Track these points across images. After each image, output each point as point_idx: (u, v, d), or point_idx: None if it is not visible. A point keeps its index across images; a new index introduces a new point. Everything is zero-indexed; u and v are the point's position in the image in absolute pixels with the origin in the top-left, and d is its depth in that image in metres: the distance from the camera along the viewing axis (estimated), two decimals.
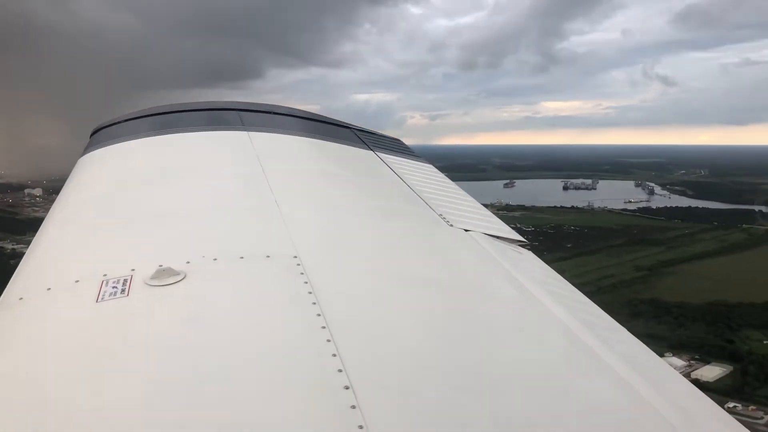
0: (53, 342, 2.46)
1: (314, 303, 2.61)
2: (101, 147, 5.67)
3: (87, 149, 5.86)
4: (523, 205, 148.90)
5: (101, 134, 6.28)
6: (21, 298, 2.83)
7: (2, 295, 2.95)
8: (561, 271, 4.25)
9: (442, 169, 7.03)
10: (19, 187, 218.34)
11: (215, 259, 3.02)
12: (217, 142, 5.58)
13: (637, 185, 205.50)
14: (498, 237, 4.37)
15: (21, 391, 2.14)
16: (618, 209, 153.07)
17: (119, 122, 6.47)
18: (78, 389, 2.11)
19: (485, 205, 5.66)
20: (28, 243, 3.75)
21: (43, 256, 3.45)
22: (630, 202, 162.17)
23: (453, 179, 6.68)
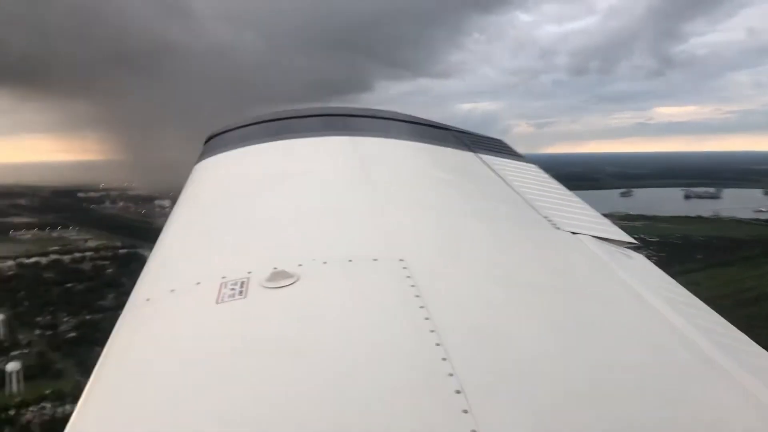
0: (178, 341, 2.57)
1: (422, 307, 2.61)
2: (215, 154, 5.81)
3: (201, 156, 5.96)
4: (644, 215, 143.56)
5: (214, 142, 6.42)
6: (148, 299, 2.96)
7: (131, 296, 3.08)
8: (695, 284, 4.33)
9: None
10: (150, 199, 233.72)
11: (325, 262, 3.06)
12: (323, 148, 5.59)
13: (766, 193, 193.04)
14: (607, 239, 4.26)
15: (150, 389, 2.25)
16: (747, 218, 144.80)
17: (230, 130, 6.61)
18: (202, 388, 2.20)
19: (603, 215, 5.37)
20: None
21: (166, 259, 3.59)
22: (761, 211, 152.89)
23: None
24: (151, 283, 3.18)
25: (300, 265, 2.96)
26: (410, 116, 7.35)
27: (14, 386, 67.46)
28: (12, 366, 68.68)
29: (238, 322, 2.57)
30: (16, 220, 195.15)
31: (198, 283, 2.93)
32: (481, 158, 6.15)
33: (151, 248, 3.86)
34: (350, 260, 3.06)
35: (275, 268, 2.86)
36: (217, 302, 2.70)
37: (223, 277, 2.90)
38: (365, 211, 3.92)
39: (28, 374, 68.75)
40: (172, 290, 2.95)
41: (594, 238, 4.11)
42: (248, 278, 2.86)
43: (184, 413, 2.05)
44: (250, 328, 2.53)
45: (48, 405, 61.64)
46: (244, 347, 2.40)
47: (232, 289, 2.78)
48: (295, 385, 2.14)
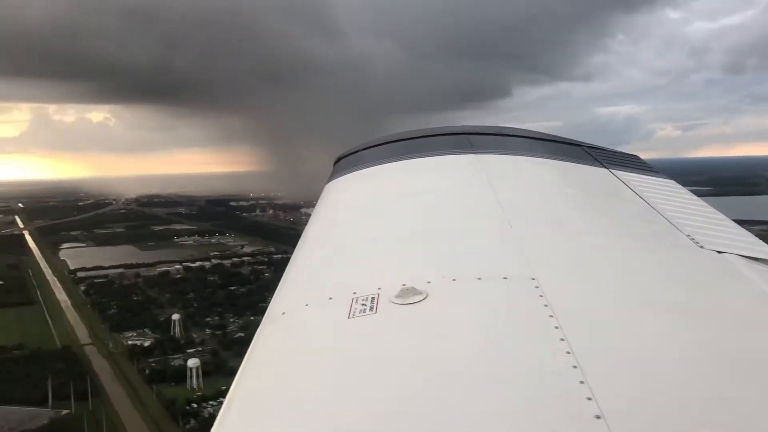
0: (312, 354, 2.64)
1: (556, 327, 2.50)
2: (344, 174, 5.97)
3: (332, 176, 6.16)
4: None
5: (343, 162, 6.65)
6: (283, 313, 3.07)
7: (268, 309, 3.18)
8: None
9: (700, 183, 6.65)
10: (296, 207, 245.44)
11: (454, 280, 3.03)
12: (450, 166, 5.62)
13: None
14: (758, 259, 3.90)
15: (286, 400, 2.30)
16: None
17: (358, 151, 6.80)
18: (335, 401, 2.21)
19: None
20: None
21: (300, 275, 3.70)
22: None
23: (717, 194, 6.32)
24: (287, 298, 3.30)
25: (429, 282, 2.97)
26: (538, 132, 7.31)
27: (194, 381, 71.99)
28: (192, 362, 73.54)
29: (369, 337, 2.63)
30: (178, 227, 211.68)
31: (330, 299, 3.02)
32: (614, 174, 5.96)
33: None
34: (479, 278, 3.04)
35: (404, 285, 2.88)
36: (348, 317, 2.76)
37: (354, 293, 2.97)
38: (494, 229, 3.88)
39: (205, 371, 73.19)
40: (307, 304, 3.06)
41: (743, 258, 3.83)
42: (378, 294, 2.91)
43: (317, 425, 2.12)
44: (380, 343, 2.58)
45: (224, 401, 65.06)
46: (375, 362, 2.45)
47: (363, 304, 2.84)
48: (425, 402, 2.13)
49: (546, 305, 2.71)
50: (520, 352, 2.41)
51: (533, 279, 2.98)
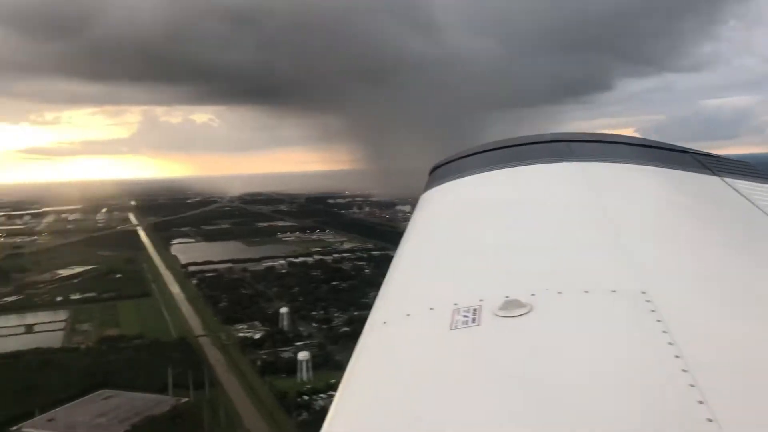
0: (415, 365, 2.62)
1: (671, 344, 2.40)
2: (441, 184, 5.85)
3: (428, 186, 6.04)
4: None
5: (439, 171, 6.49)
6: (384, 322, 3.05)
7: (369, 317, 3.17)
8: None
9: None
10: (391, 204, 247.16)
11: (560, 293, 2.95)
12: (550, 175, 5.45)
13: None
14: None
15: (389, 410, 2.31)
16: None
17: (454, 160, 6.64)
18: (438, 412, 2.21)
19: None
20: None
21: (401, 284, 3.65)
22: None
23: None
24: (388, 307, 3.31)
25: (533, 294, 2.92)
26: (643, 139, 7.09)
27: (304, 374, 73.13)
28: (303, 355, 74.80)
29: (471, 349, 2.63)
30: (280, 223, 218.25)
31: (432, 309, 3.01)
32: (727, 182, 5.60)
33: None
34: (586, 291, 2.99)
35: (507, 297, 2.87)
36: (450, 328, 2.76)
37: (456, 304, 2.96)
38: (600, 240, 3.79)
39: (314, 363, 74.26)
40: (408, 315, 3.07)
41: None
42: (480, 306, 2.90)
43: None
44: (483, 356, 2.57)
45: (335, 394, 65.61)
46: (479, 375, 2.45)
47: (465, 316, 2.84)
48: (531, 418, 2.12)
49: (659, 320, 2.59)
50: (631, 369, 2.33)
51: (644, 293, 2.86)
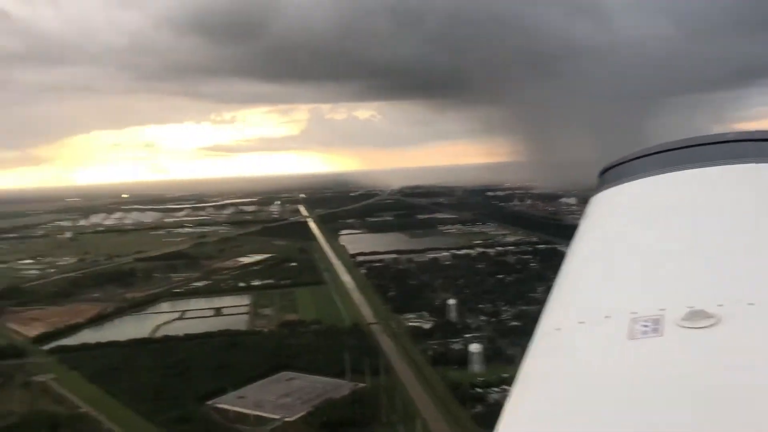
0: (592, 375, 2.56)
1: None
2: (612, 186, 5.57)
3: (598, 188, 5.76)
4: None
5: (610, 174, 6.11)
6: (558, 329, 3.02)
7: (540, 322, 3.14)
8: None
9: None
10: (554, 197, 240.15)
11: (751, 304, 2.76)
12: (734, 177, 5.03)
13: None
14: None
15: (562, 418, 2.30)
16: None
17: (625, 162, 6.13)
18: (618, 425, 2.15)
19: None
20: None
21: (573, 290, 3.60)
22: None
23: None
24: (560, 313, 3.28)
25: (720, 305, 2.76)
26: None
27: (476, 366, 73.00)
28: (475, 347, 74.73)
29: (653, 361, 2.53)
30: (440, 215, 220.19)
31: (607, 317, 2.92)
32: None
33: (566, 245, 4.11)
34: None
35: (692, 307, 2.73)
36: (629, 338, 2.68)
37: (634, 313, 2.85)
38: None
39: (485, 356, 73.81)
40: (581, 322, 3.01)
41: None
42: (662, 316, 2.78)
43: None
44: (667, 369, 2.47)
45: (508, 389, 64.78)
46: (662, 388, 2.36)
47: (645, 325, 2.73)
48: None
49: None
50: None
51: None
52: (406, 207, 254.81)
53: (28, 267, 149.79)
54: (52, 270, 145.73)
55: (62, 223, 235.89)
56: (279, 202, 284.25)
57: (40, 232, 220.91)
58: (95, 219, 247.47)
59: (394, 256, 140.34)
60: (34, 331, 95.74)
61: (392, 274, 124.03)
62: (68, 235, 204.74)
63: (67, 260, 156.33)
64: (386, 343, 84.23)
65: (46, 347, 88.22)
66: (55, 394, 72.13)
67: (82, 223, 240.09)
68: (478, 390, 67.69)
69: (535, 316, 3.39)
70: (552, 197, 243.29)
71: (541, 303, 3.53)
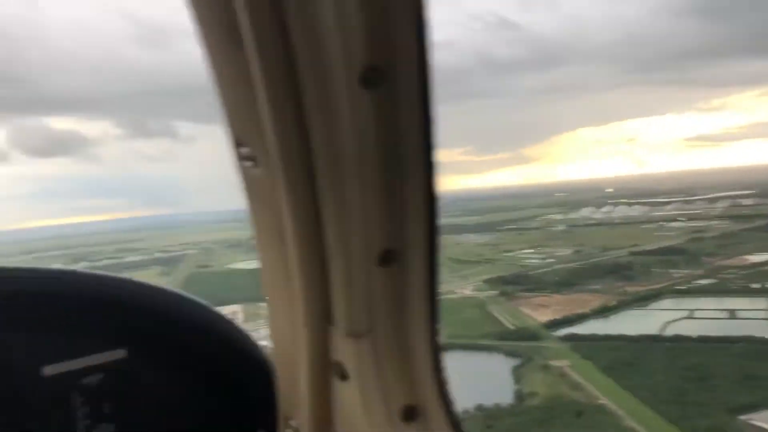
0: None
1: None
2: None
3: None
4: None
5: None
6: None
7: None
8: None
9: None
10: None
11: None
12: None
13: None
14: None
15: None
16: None
17: None
18: None
19: None
20: None
21: None
22: None
23: None
24: None
25: None
26: None
27: None
28: None
29: None
30: None
31: None
32: None
33: None
34: None
35: None
36: None
37: None
38: None
39: None
40: None
41: None
42: None
43: None
44: None
45: None
46: None
47: None
48: None
49: None
50: None
51: None
52: None
53: (530, 256, 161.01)
54: (551, 260, 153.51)
55: (553, 216, 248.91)
56: None
57: (534, 224, 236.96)
58: (584, 212, 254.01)
59: None
60: (543, 317, 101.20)
61: None
62: (560, 227, 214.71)
63: (563, 251, 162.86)
64: None
65: (556, 333, 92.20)
66: (572, 381, 74.18)
67: (572, 216, 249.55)
68: None
69: None
70: None
71: None
